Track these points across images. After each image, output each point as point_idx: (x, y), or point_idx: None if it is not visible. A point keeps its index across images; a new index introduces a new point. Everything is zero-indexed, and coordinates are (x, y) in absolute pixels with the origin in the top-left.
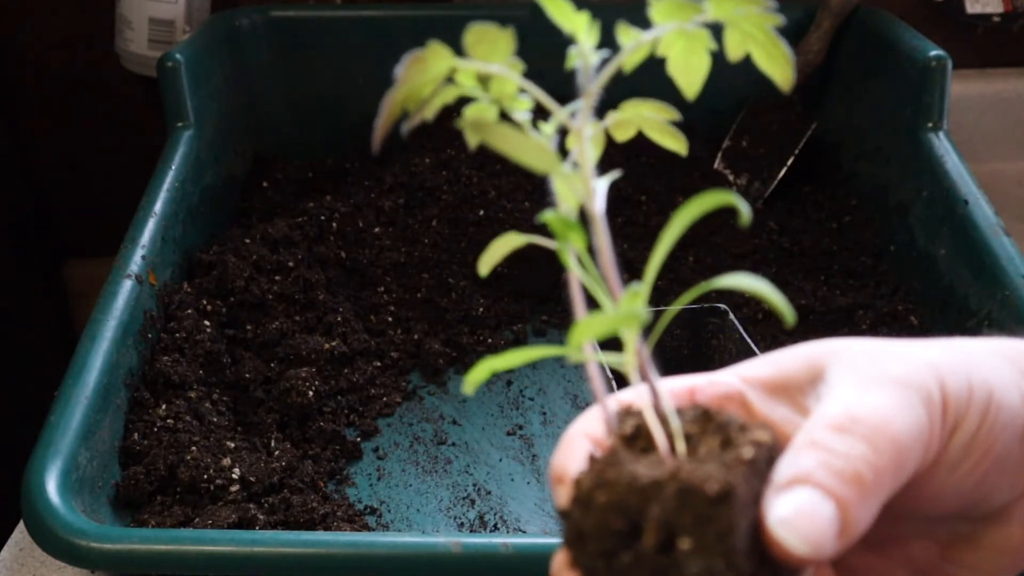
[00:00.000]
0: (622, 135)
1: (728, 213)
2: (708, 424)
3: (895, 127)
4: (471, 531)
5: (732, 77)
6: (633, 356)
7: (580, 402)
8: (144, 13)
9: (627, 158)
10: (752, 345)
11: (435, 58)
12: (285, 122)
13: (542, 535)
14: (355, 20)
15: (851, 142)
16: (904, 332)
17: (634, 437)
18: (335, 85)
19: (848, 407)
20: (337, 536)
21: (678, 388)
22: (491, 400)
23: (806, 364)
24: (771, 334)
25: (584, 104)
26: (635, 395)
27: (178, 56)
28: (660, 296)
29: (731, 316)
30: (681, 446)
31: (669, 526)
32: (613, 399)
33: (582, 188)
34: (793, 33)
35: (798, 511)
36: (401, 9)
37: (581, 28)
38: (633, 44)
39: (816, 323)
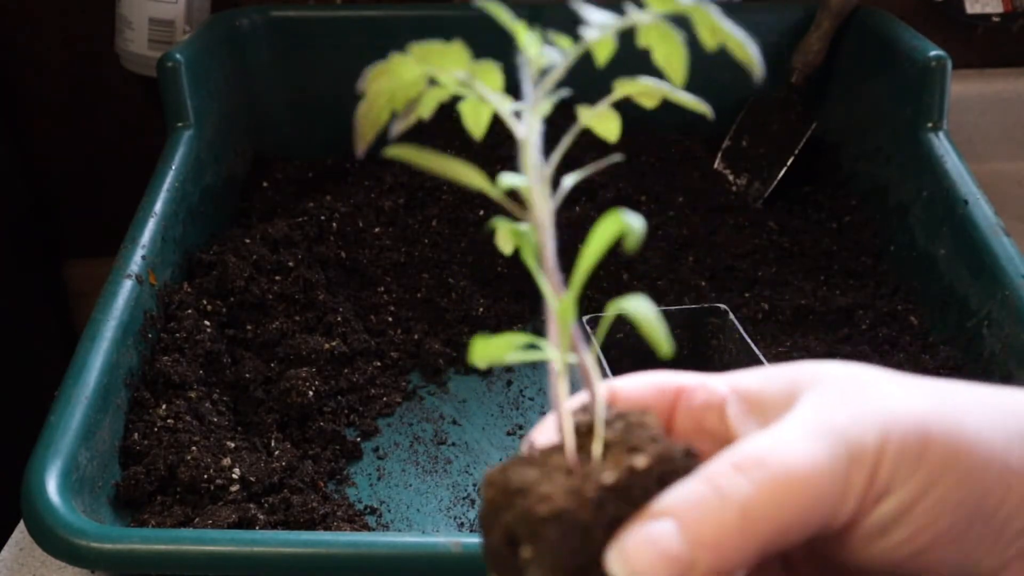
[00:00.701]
0: (649, 102)
1: (728, 213)
2: (628, 436)
3: (895, 127)
4: (471, 531)
5: (732, 77)
6: (565, 355)
7: None
8: (144, 13)
9: (627, 158)
10: (752, 345)
11: (401, 67)
12: (285, 122)
13: None
14: (355, 20)
15: (851, 142)
16: (904, 332)
17: (579, 435)
18: (335, 85)
19: (764, 447)
20: (337, 536)
21: (667, 386)
22: (491, 400)
23: (787, 386)
24: (771, 334)
25: (530, 109)
26: (581, 398)
27: (178, 56)
28: (660, 296)
29: (731, 316)
30: (598, 452)
31: (513, 532)
32: (576, 397)
33: (528, 198)
34: (793, 33)
35: (644, 542)
36: (401, 9)
37: (521, 33)
38: (578, 48)
39: (816, 323)
